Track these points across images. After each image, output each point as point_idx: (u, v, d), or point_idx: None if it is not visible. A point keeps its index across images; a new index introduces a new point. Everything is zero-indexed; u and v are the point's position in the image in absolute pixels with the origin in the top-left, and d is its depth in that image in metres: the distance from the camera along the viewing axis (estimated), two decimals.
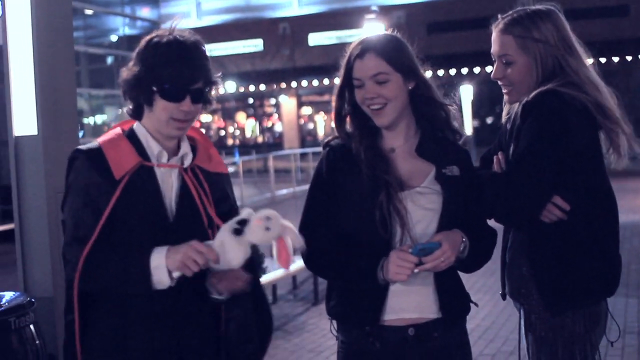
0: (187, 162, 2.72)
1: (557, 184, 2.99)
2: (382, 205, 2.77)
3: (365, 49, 2.85)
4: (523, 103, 3.07)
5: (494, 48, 3.22)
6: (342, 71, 2.92)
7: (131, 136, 2.69)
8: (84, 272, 2.52)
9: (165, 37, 2.66)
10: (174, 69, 2.59)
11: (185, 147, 2.74)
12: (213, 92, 2.74)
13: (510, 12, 3.23)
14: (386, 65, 2.83)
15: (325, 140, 3.03)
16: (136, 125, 2.73)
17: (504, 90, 3.24)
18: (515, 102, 3.22)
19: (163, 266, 2.48)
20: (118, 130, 2.73)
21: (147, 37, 2.69)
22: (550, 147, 2.96)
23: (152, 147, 2.67)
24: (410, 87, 2.87)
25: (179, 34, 2.67)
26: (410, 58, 2.89)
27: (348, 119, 2.96)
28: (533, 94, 3.05)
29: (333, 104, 3.00)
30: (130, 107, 2.74)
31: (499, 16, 3.24)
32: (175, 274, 2.51)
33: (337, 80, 2.94)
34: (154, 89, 2.61)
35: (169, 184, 2.67)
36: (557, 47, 3.12)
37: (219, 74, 2.77)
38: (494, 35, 3.23)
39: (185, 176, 2.71)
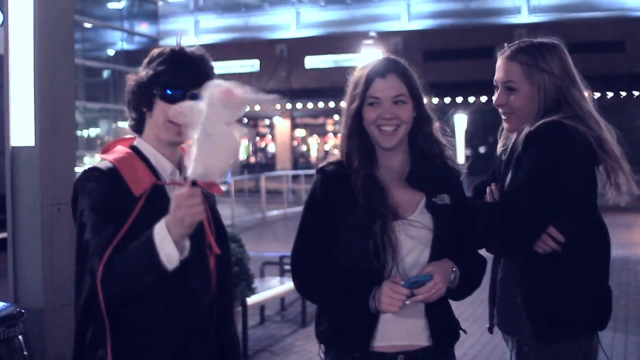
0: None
1: (553, 216, 3.02)
2: (376, 236, 2.78)
3: (388, 69, 2.88)
4: (527, 133, 3.09)
5: (499, 75, 3.24)
6: (358, 90, 2.90)
7: (139, 154, 2.70)
8: (104, 278, 2.45)
9: (172, 47, 2.71)
10: (175, 73, 2.63)
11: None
12: None
13: (517, 42, 3.26)
14: (405, 88, 2.86)
15: (320, 166, 3.01)
16: (139, 142, 2.74)
17: (503, 118, 3.26)
18: (514, 130, 3.24)
19: (167, 237, 2.37)
20: (126, 149, 2.72)
21: (156, 49, 2.74)
22: (550, 178, 2.98)
23: (164, 165, 2.68)
24: (413, 115, 2.90)
25: (186, 47, 2.72)
26: (420, 88, 2.93)
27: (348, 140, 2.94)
28: (537, 124, 3.07)
29: (328, 127, 3.00)
30: (133, 117, 2.76)
31: (505, 45, 3.27)
32: (187, 244, 2.43)
33: (336, 105, 2.94)
34: (155, 92, 2.64)
35: None
36: (561, 79, 3.15)
37: None
38: (500, 62, 3.25)
39: None
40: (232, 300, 3.01)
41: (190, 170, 2.34)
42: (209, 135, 2.32)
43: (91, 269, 2.50)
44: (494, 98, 3.26)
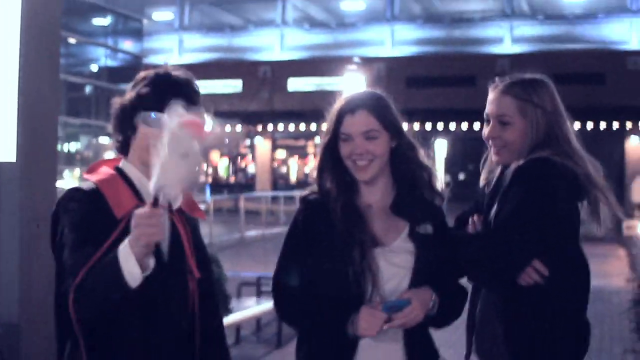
0: (176, 204, 2.73)
1: (537, 249, 3.04)
2: (355, 262, 2.80)
3: (356, 105, 2.90)
4: (516, 168, 3.13)
5: (491, 108, 3.25)
6: (329, 126, 2.94)
7: (123, 176, 2.69)
8: (76, 299, 2.44)
9: (157, 71, 2.71)
10: (160, 95, 2.60)
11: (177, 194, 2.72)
12: None
13: (509, 77, 3.28)
14: (376, 122, 2.88)
15: (303, 195, 3.03)
16: (124, 164, 2.74)
17: (493, 150, 3.27)
18: (504, 163, 3.26)
19: (130, 255, 2.35)
20: (110, 170, 2.72)
21: (142, 72, 2.74)
22: (537, 213, 3.00)
23: (148, 187, 2.61)
24: (392, 145, 2.92)
25: (171, 70, 2.72)
26: (397, 118, 2.95)
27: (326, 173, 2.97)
28: (526, 160, 3.10)
29: (309, 149, 3.03)
30: (118, 139, 2.75)
31: (496, 79, 3.29)
32: (151, 262, 2.41)
33: (317, 128, 2.96)
34: (139, 115, 2.63)
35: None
36: (552, 114, 3.18)
37: (209, 111, 2.73)
38: (492, 96, 3.26)
39: (175, 218, 2.71)
40: (218, 322, 2.99)
41: (153, 183, 2.34)
42: (173, 152, 2.31)
43: (65, 289, 2.49)
44: (484, 131, 3.27)
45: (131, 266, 2.37)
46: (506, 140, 3.21)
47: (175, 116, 2.35)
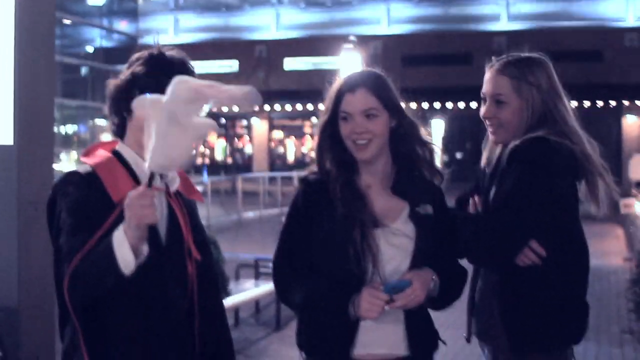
0: (173, 187, 2.73)
1: (535, 230, 3.04)
2: (356, 242, 2.79)
3: (356, 83, 2.89)
4: (512, 147, 3.12)
5: (487, 88, 3.26)
6: (329, 104, 2.93)
7: (120, 159, 2.68)
8: (70, 284, 2.44)
9: (152, 51, 2.70)
10: (154, 76, 2.61)
11: (172, 172, 2.70)
12: None
13: (505, 56, 3.28)
14: (376, 101, 2.87)
15: (303, 175, 3.02)
16: (120, 147, 2.72)
17: (490, 130, 3.28)
18: (501, 142, 3.26)
19: (124, 241, 2.35)
20: (107, 153, 2.70)
21: (136, 54, 2.73)
22: (533, 193, 3.00)
23: (145, 169, 2.58)
24: (392, 125, 2.92)
25: (166, 50, 2.72)
26: (397, 97, 2.94)
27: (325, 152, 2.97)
28: (522, 139, 3.10)
29: (305, 129, 3.01)
30: (114, 122, 2.74)
31: (493, 58, 3.29)
32: (144, 249, 2.41)
33: (314, 108, 2.94)
34: (134, 95, 2.60)
35: (159, 208, 2.57)
36: (548, 94, 3.18)
37: None
38: (488, 75, 3.27)
39: (172, 201, 2.71)
40: (219, 303, 2.98)
41: (149, 162, 2.34)
42: (172, 127, 2.31)
43: (62, 274, 2.49)
44: (481, 110, 3.28)
45: (125, 253, 2.36)
46: (502, 120, 3.21)
47: (181, 84, 2.34)
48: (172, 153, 2.35)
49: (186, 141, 2.35)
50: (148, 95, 2.48)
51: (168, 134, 2.31)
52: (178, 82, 2.36)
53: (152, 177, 2.37)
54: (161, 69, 2.63)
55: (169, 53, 2.71)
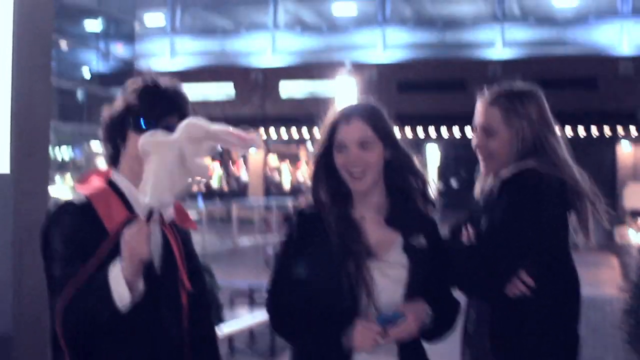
0: (168, 216, 2.73)
1: (524, 260, 3.05)
2: (350, 274, 2.79)
3: (351, 114, 2.91)
4: (502, 179, 3.14)
5: (478, 118, 3.30)
6: (324, 135, 2.95)
7: (114, 189, 2.69)
8: (63, 315, 2.45)
9: (145, 79, 2.71)
10: (148, 104, 2.63)
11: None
12: None
13: (497, 86, 3.31)
14: (371, 132, 2.88)
15: (299, 209, 3.01)
16: (115, 176, 2.73)
17: (481, 160, 3.31)
18: (491, 173, 3.28)
19: (120, 276, 2.38)
20: (102, 182, 2.72)
21: (129, 81, 2.74)
22: (523, 225, 3.02)
23: (139, 198, 2.56)
24: (386, 156, 2.92)
25: (160, 79, 2.73)
26: (391, 128, 2.96)
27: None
28: (512, 171, 3.12)
29: (301, 155, 3.02)
30: (109, 150, 2.75)
31: (485, 89, 3.32)
32: (140, 286, 2.43)
33: (310, 137, 2.95)
34: (128, 123, 2.64)
35: (153, 237, 2.58)
36: (539, 125, 3.20)
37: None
38: (480, 106, 3.30)
39: (166, 230, 2.71)
40: (211, 333, 2.99)
41: (149, 198, 2.36)
42: (178, 165, 2.35)
43: (54, 305, 2.49)
44: (472, 140, 3.31)
45: (121, 288, 2.38)
46: (491, 150, 3.25)
47: (193, 126, 2.38)
48: (174, 190, 2.38)
49: (188, 180, 2.38)
50: (157, 132, 2.49)
51: (173, 172, 2.33)
52: (190, 124, 2.38)
53: (151, 212, 2.37)
54: (154, 97, 2.65)
55: (163, 83, 2.72)
